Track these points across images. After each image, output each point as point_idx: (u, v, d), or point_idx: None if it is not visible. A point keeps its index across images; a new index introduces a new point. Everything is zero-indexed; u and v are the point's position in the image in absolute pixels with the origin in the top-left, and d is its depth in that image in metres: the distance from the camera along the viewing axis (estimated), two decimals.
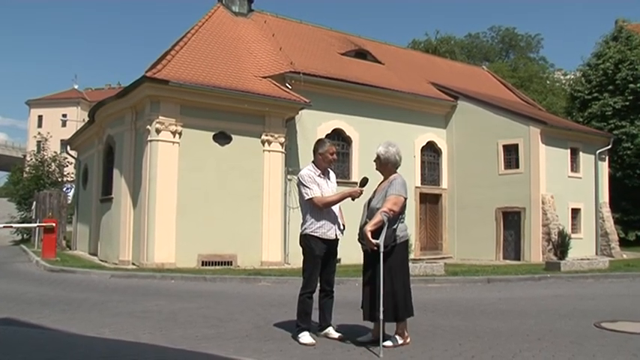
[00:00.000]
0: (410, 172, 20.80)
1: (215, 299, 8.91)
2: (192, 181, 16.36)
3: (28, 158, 31.55)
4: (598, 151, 23.17)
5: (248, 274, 12.38)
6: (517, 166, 21.00)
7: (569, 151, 21.96)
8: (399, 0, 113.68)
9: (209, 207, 16.45)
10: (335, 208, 5.90)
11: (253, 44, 20.89)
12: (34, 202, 23.51)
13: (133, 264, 16.21)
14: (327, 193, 5.87)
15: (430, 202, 23.07)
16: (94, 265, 15.36)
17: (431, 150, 23.25)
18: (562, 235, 14.60)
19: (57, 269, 13.19)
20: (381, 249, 5.26)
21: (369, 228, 5.31)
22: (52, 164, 28.63)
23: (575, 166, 22.29)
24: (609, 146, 23.79)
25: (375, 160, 5.81)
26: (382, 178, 5.84)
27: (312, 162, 6.02)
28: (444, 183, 23.24)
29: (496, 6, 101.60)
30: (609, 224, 23.20)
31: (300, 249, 5.94)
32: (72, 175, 28.69)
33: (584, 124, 27.00)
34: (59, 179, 28.92)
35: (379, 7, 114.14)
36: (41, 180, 27.52)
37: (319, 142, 6.04)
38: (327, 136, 18.58)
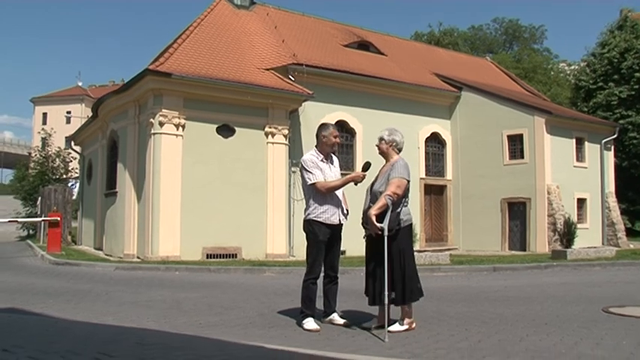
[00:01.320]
0: (414, 164, 20.74)
1: (219, 289, 8.89)
2: (196, 173, 16.33)
3: (32, 154, 31.56)
4: (604, 141, 23.04)
5: (252, 265, 12.36)
6: (522, 157, 20.89)
7: (574, 140, 21.82)
8: None
9: (213, 200, 16.42)
10: (339, 193, 5.85)
11: (256, 37, 20.82)
12: (39, 198, 23.54)
13: (138, 257, 16.20)
14: (331, 178, 5.82)
15: (435, 193, 23.00)
16: (99, 258, 15.37)
17: (435, 141, 23.16)
18: (568, 223, 14.51)
19: (62, 262, 13.20)
20: (386, 233, 5.21)
21: (373, 212, 5.26)
22: (57, 160, 28.67)
23: (580, 155, 22.16)
24: (615, 136, 23.64)
25: (378, 144, 5.75)
26: (383, 163, 5.80)
27: (315, 147, 5.98)
28: (449, 174, 23.15)
29: None
30: (615, 214, 23.06)
31: (305, 240, 5.90)
32: (76, 171, 28.72)
33: (589, 114, 26.85)
34: (64, 175, 28.93)
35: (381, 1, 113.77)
36: (46, 176, 27.55)
37: (322, 126, 6.00)
38: None
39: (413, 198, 20.51)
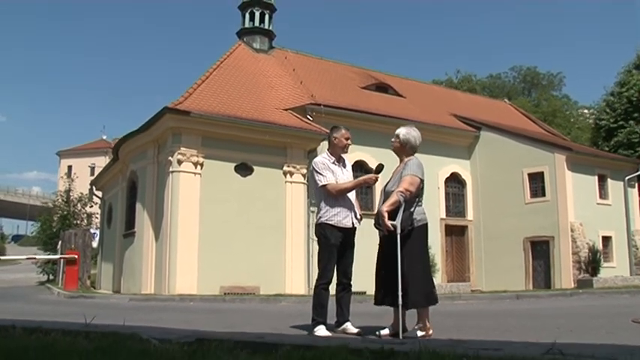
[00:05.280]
0: (434, 204, 20.49)
1: (233, 312, 8.71)
2: (214, 212, 16.28)
3: (55, 198, 31.95)
4: (627, 178, 22.61)
5: (268, 296, 12.14)
6: (543, 195, 20.57)
7: (596, 177, 21.46)
8: (419, 44, 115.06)
9: (231, 238, 16.30)
10: (351, 196, 5.71)
11: (274, 78, 21.12)
12: (60, 242, 23.61)
13: None
14: (342, 180, 5.70)
15: (456, 234, 22.62)
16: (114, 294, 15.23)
17: (455, 181, 22.94)
18: (593, 250, 14.10)
19: (76, 295, 13.14)
20: (398, 231, 5.04)
21: (385, 208, 5.11)
22: (78, 204, 28.96)
23: (603, 192, 21.74)
24: (638, 172, 23.20)
25: (393, 140, 5.66)
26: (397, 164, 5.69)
27: (327, 150, 5.91)
28: (470, 214, 22.81)
29: (516, 46, 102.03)
30: None
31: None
32: (97, 216, 28.94)
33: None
34: (85, 220, 29.14)
35: (399, 50, 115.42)
36: (67, 220, 27.77)
37: (333, 128, 5.93)
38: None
39: (433, 239, 20.30)
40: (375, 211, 5.46)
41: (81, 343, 2.61)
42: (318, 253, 5.65)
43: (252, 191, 16.98)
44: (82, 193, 29.70)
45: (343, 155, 5.92)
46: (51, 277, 25.69)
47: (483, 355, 2.48)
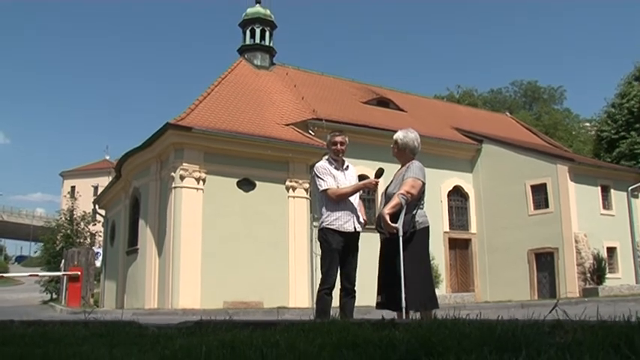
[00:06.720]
0: (437, 217, 20.42)
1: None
2: (217, 227, 16.26)
3: (57, 217, 31.97)
4: (630, 188, 22.57)
5: (272, 309, 12.09)
6: (547, 206, 20.53)
7: (599, 188, 21.43)
8: (419, 59, 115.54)
9: (234, 253, 16.26)
10: (353, 200, 5.68)
11: (275, 94, 21.21)
12: (63, 260, 23.57)
13: None
14: (344, 185, 5.69)
15: (460, 247, 22.54)
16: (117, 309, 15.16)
17: (457, 194, 22.90)
18: (597, 259, 14.01)
19: (79, 311, 13.08)
20: (400, 233, 5.01)
21: (386, 211, 5.08)
22: (82, 223, 28.98)
23: (606, 203, 21.69)
24: None
25: (392, 146, 5.66)
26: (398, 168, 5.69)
27: (329, 156, 5.92)
28: (473, 227, 22.74)
29: (516, 61, 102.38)
30: None
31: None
32: (100, 234, 28.95)
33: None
34: (88, 239, 29.15)
35: (399, 65, 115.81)
36: (70, 238, 27.78)
37: (328, 134, 5.96)
38: None
39: (437, 252, 20.27)
40: (377, 215, 5.43)
41: (79, 331, 2.60)
42: (321, 258, 5.63)
43: (254, 206, 16.96)
44: (84, 212, 29.73)
45: (346, 160, 5.90)
46: (54, 295, 25.64)
47: (486, 320, 2.46)
